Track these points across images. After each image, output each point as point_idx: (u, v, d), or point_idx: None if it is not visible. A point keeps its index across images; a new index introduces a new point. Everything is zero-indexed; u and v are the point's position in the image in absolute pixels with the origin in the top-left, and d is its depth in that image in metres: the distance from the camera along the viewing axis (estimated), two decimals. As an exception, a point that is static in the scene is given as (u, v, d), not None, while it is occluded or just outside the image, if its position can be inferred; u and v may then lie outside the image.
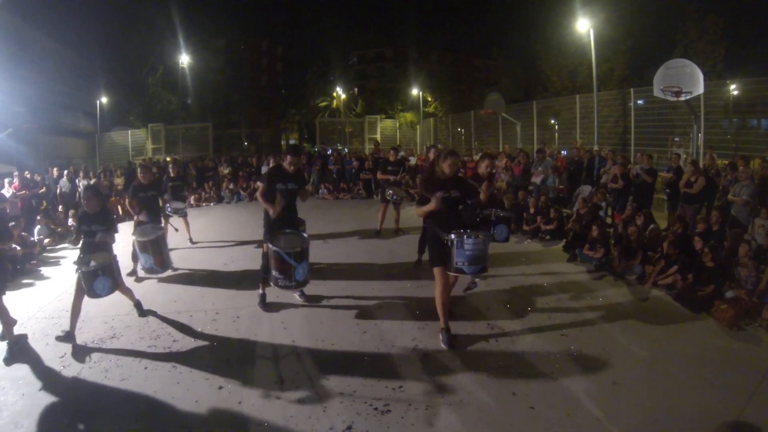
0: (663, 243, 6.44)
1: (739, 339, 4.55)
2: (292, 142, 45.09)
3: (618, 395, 3.59)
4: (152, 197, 6.88)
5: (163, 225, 7.13)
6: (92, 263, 4.61)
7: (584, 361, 4.09)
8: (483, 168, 5.52)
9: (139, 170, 7.10)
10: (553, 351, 4.26)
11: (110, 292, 4.65)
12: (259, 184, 5.55)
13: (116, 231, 5.12)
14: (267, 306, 5.31)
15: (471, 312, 5.17)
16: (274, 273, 4.79)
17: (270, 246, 4.79)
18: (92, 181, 13.13)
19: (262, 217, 5.41)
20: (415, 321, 4.94)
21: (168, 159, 18.36)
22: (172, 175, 8.84)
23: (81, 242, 5.07)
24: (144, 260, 5.99)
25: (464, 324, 4.84)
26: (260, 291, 5.42)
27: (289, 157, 5.23)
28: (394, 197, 8.39)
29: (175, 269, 6.89)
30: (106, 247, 4.86)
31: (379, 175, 9.15)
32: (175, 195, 8.52)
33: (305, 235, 5.17)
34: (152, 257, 5.94)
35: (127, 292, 5.14)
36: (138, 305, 5.28)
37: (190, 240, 8.73)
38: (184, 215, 8.64)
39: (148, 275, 6.37)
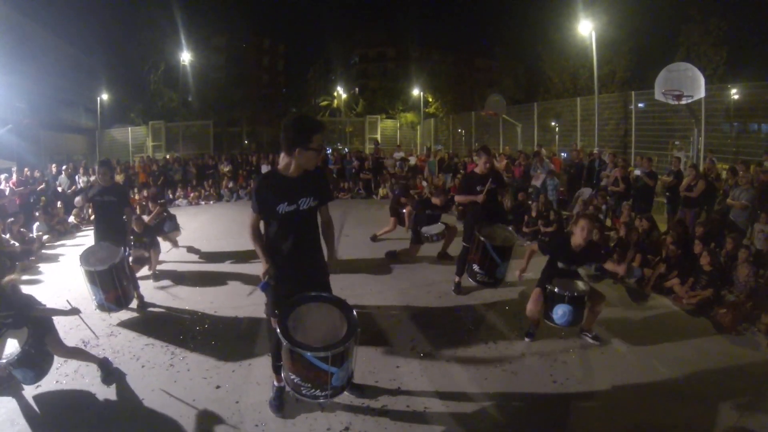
0: (662, 246, 6.44)
1: (738, 343, 4.54)
2: None
3: (617, 398, 3.58)
4: (110, 204, 5.33)
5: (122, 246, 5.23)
6: None
7: (583, 364, 4.08)
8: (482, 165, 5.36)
9: (97, 168, 5.63)
10: (551, 354, 4.25)
11: (35, 381, 3.52)
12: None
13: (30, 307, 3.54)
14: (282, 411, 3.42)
15: (469, 314, 5.16)
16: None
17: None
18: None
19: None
20: (413, 322, 4.93)
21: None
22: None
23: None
24: (93, 293, 4.77)
25: (462, 326, 4.85)
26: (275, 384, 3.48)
27: (311, 154, 2.93)
28: (434, 236, 6.64)
29: (143, 303, 5.45)
30: (19, 322, 3.42)
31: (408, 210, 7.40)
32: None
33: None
34: (102, 292, 4.71)
35: (74, 354, 3.89)
36: (103, 363, 3.91)
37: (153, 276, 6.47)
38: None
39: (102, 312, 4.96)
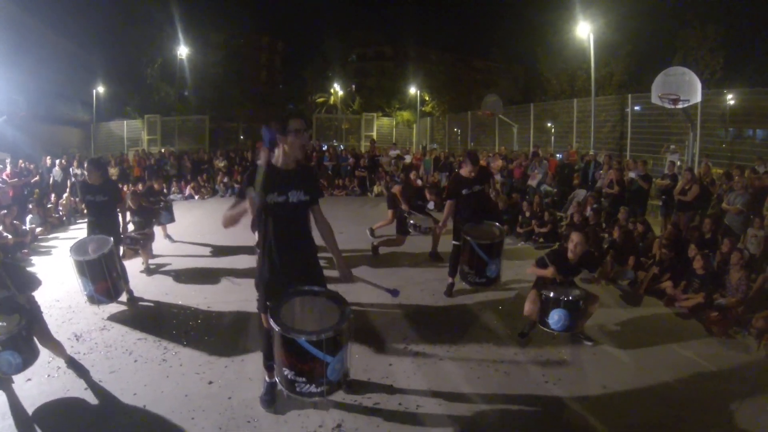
0: (656, 249, 6.46)
1: (729, 347, 4.57)
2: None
3: (609, 399, 3.60)
4: (102, 203, 5.30)
5: (113, 240, 5.11)
6: None
7: (575, 366, 4.10)
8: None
9: (85, 165, 5.62)
10: (544, 355, 4.26)
11: (19, 370, 3.41)
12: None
13: (29, 288, 3.60)
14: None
15: (463, 314, 5.17)
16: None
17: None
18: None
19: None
20: (406, 320, 4.94)
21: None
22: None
23: None
24: (83, 285, 4.80)
25: (456, 325, 4.86)
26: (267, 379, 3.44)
27: (290, 139, 2.93)
28: (422, 227, 6.53)
29: (133, 297, 5.46)
30: (11, 307, 3.45)
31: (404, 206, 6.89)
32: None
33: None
34: (91, 283, 4.73)
35: (56, 347, 3.81)
36: (70, 361, 3.90)
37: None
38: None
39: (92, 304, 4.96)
